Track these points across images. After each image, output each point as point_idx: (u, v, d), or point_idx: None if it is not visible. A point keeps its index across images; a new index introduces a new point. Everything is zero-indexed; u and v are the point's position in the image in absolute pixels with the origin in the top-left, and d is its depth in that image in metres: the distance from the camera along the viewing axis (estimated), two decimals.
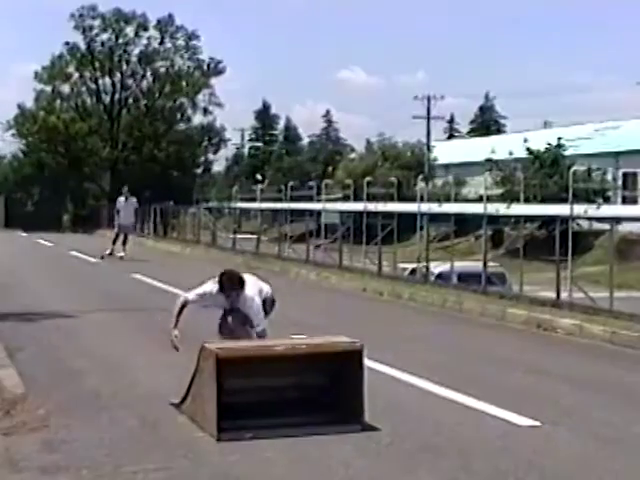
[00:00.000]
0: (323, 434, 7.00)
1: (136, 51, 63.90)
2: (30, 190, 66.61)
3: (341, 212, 29.32)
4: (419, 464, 6.43)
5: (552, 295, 16.40)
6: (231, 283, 8.83)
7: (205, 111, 65.13)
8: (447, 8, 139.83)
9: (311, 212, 31.04)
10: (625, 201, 40.62)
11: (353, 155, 67.00)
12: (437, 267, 23.39)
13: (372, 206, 25.98)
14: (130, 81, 64.61)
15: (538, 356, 11.74)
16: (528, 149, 42.96)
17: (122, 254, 27.03)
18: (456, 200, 39.27)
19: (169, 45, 64.02)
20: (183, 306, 9.12)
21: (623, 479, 6.17)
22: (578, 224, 30.39)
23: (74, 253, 30.89)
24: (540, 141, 43.17)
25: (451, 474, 6.20)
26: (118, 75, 63.93)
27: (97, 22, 62.36)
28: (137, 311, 15.55)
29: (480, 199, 37.12)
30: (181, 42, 64.04)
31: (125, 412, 7.78)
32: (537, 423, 7.47)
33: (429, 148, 56.67)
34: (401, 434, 7.16)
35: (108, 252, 27.55)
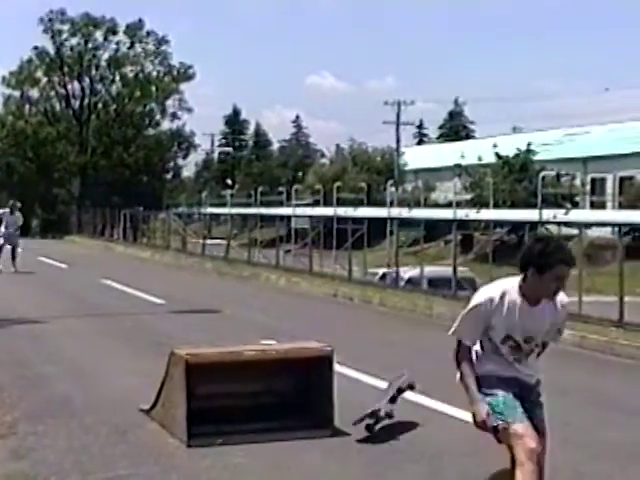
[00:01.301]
0: (293, 439, 6.99)
1: (105, 56, 63.76)
2: None
3: (311, 217, 29.38)
4: (388, 469, 6.44)
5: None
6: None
7: (174, 116, 65.07)
8: (416, 13, 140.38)
9: (281, 217, 31.09)
10: (593, 206, 40.96)
11: (323, 160, 67.03)
12: (407, 272, 23.44)
13: (342, 211, 26.08)
14: (99, 86, 64.41)
15: None
16: (497, 154, 43.16)
17: (13, 269, 25.34)
18: (426, 205, 39.47)
19: (139, 50, 63.89)
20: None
21: None
22: (547, 229, 30.56)
23: (43, 259, 30.69)
24: (509, 146, 43.41)
25: (420, 479, 6.21)
26: (87, 80, 63.70)
27: (66, 27, 62.14)
28: (107, 317, 15.47)
29: (450, 204, 37.34)
30: (151, 47, 63.93)
31: (94, 418, 7.73)
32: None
33: (399, 153, 56.79)
34: (371, 438, 7.16)
35: None
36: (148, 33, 63.46)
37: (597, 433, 7.60)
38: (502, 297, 5.05)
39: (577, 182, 42.59)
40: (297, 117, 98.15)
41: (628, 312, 13.83)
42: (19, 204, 27.51)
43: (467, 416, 7.84)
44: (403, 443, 7.08)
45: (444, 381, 8.05)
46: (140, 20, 63.22)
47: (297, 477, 6.16)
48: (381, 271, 25.31)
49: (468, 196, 41.79)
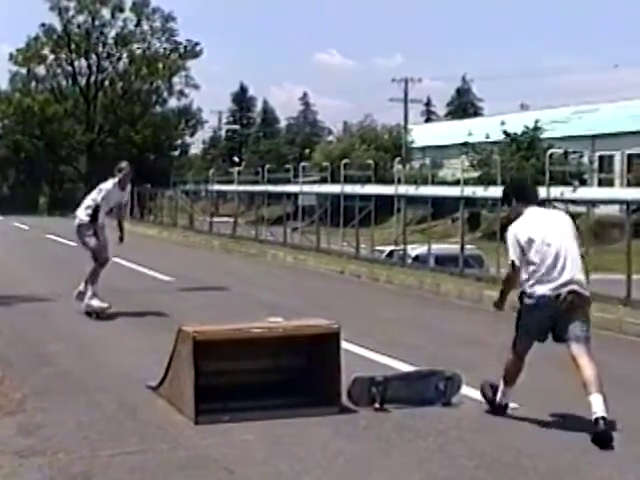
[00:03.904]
0: (301, 416, 7.01)
1: (112, 33, 63.67)
2: (5, 173, 66.24)
3: (318, 194, 29.34)
4: (395, 445, 6.46)
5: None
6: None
7: (181, 93, 65.01)
8: None
9: (288, 195, 31.05)
10: (601, 184, 40.86)
11: (330, 138, 66.93)
12: (414, 249, 23.46)
13: (349, 188, 26.02)
14: (106, 63, 64.35)
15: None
16: (505, 132, 43.06)
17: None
18: (433, 183, 39.41)
19: (146, 27, 63.75)
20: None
21: (599, 460, 6.21)
22: (555, 206, 30.48)
23: (50, 236, 30.74)
24: (517, 124, 43.29)
25: (427, 455, 6.23)
26: (94, 57, 63.63)
27: (73, 3, 61.98)
28: (114, 294, 15.49)
29: (457, 182, 37.26)
30: (157, 24, 63.78)
31: (102, 395, 7.76)
32: (514, 405, 7.50)
33: (406, 130, 56.66)
34: (378, 416, 7.18)
35: None
36: (154, 10, 63.34)
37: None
38: None
39: (585, 160, 42.50)
40: (305, 94, 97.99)
41: (635, 290, 13.82)
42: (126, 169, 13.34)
43: (474, 394, 7.87)
44: (410, 420, 7.10)
45: (451, 358, 8.08)
46: None
47: (304, 454, 6.18)
48: (388, 248, 25.32)
49: (476, 174, 41.74)
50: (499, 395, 7.30)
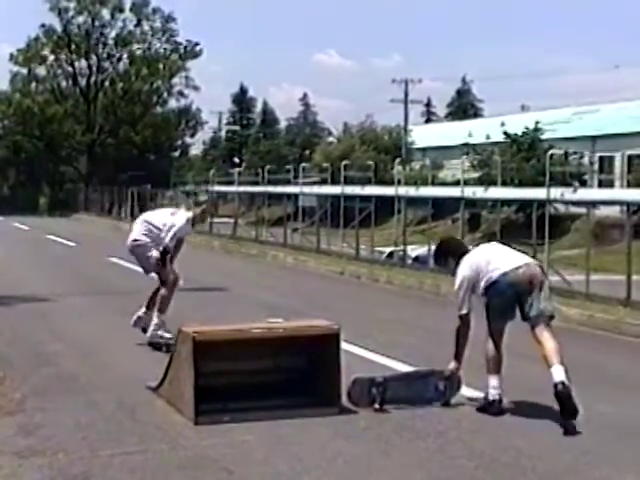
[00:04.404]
0: (301, 417, 7.01)
1: (112, 34, 63.61)
2: (6, 173, 66.24)
3: (319, 195, 29.32)
4: (395, 446, 6.46)
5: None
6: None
7: (181, 94, 65.01)
8: None
9: (288, 195, 31.03)
10: (601, 185, 40.81)
11: (331, 139, 66.92)
12: (414, 250, 23.47)
13: (349, 189, 25.99)
14: (106, 64, 64.31)
15: (514, 338, 11.77)
16: (505, 133, 43.02)
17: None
18: (433, 184, 39.40)
19: (146, 28, 63.73)
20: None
21: (598, 460, 6.21)
22: (555, 208, 30.49)
23: (51, 237, 30.75)
24: (517, 125, 43.25)
25: (426, 455, 6.24)
26: (94, 58, 63.59)
27: (73, 4, 61.94)
28: (114, 294, 15.51)
29: (457, 183, 37.17)
30: (157, 24, 63.76)
31: (102, 396, 7.77)
32: (512, 405, 7.51)
33: (406, 131, 56.64)
34: (378, 417, 7.18)
35: None
36: (154, 10, 63.32)
37: (601, 410, 7.61)
38: None
39: (585, 160, 42.44)
40: (304, 95, 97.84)
41: (635, 291, 13.83)
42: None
43: (473, 393, 7.87)
44: (409, 421, 7.10)
45: (451, 359, 8.08)
46: None
47: (304, 455, 6.18)
48: (388, 249, 25.33)
49: (476, 174, 41.68)
50: (489, 390, 7.33)
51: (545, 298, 7.49)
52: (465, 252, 7.80)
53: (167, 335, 9.89)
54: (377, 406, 7.34)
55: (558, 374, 6.98)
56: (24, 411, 7.22)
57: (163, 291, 10.36)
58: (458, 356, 7.64)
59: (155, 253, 10.34)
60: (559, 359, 7.10)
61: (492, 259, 7.53)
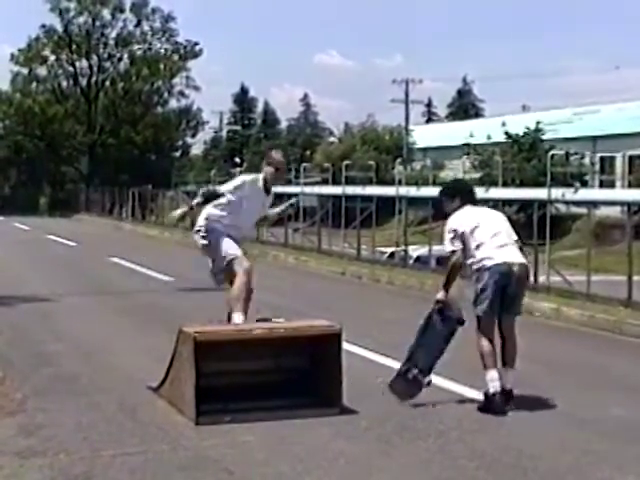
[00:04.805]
0: (302, 417, 7.01)
1: (113, 34, 63.53)
2: (7, 173, 66.21)
3: (320, 195, 29.33)
4: (396, 446, 6.45)
5: (530, 279, 16.45)
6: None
7: (182, 94, 64.97)
8: None
9: (289, 195, 31.00)
10: (602, 185, 40.80)
11: (332, 139, 66.91)
12: (415, 250, 23.45)
13: (351, 189, 26.01)
14: (107, 64, 64.22)
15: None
16: (506, 133, 43.02)
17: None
18: (434, 184, 39.37)
19: (146, 28, 63.66)
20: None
21: (600, 460, 6.21)
22: (556, 208, 30.47)
23: (51, 237, 30.75)
24: (518, 125, 43.25)
25: (427, 456, 6.23)
26: (95, 58, 63.50)
27: (73, 4, 61.88)
28: (115, 295, 15.51)
29: None
30: (157, 24, 63.68)
31: (103, 396, 7.76)
32: (513, 406, 7.50)
33: (407, 132, 56.63)
34: (379, 417, 7.17)
35: None
36: (154, 10, 63.26)
37: (603, 411, 7.60)
38: None
39: (586, 161, 42.44)
40: (305, 95, 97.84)
41: (636, 292, 13.82)
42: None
43: (474, 394, 7.87)
44: (410, 421, 7.09)
45: (451, 360, 8.07)
46: None
47: (305, 455, 6.18)
48: (389, 250, 25.31)
49: (477, 175, 41.69)
50: (489, 385, 7.42)
51: (522, 298, 7.86)
52: (472, 199, 8.09)
53: None
54: (427, 381, 7.62)
55: (508, 381, 7.47)
56: (25, 411, 7.22)
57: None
58: (446, 286, 7.76)
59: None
60: (514, 363, 7.58)
61: (486, 241, 7.60)
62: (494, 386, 7.37)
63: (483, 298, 7.53)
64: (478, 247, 7.58)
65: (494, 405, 7.32)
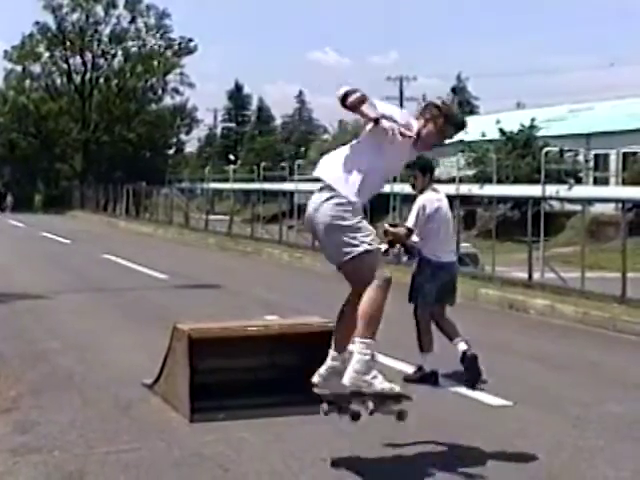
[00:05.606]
0: (296, 414, 7.00)
1: (107, 31, 63.51)
2: (1, 171, 66.17)
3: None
4: (392, 443, 6.44)
5: (524, 276, 16.48)
6: None
7: (176, 91, 64.95)
8: None
9: (284, 193, 31.05)
10: (596, 182, 40.88)
11: (326, 136, 66.91)
12: None
13: None
14: (101, 61, 64.25)
15: (510, 336, 11.81)
16: (501, 130, 43.04)
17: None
18: None
19: (140, 24, 63.64)
20: None
21: (594, 457, 6.21)
22: (550, 205, 30.51)
23: (46, 234, 30.71)
24: (513, 122, 43.28)
25: (423, 452, 6.23)
26: (89, 55, 63.50)
27: (66, 1, 61.84)
28: (109, 292, 15.49)
29: (453, 180, 37.25)
30: (152, 21, 63.67)
31: (97, 393, 7.75)
32: (508, 402, 7.51)
33: None
34: (375, 414, 7.15)
35: None
36: (148, 7, 63.24)
37: (597, 408, 7.61)
38: None
39: (580, 158, 42.50)
40: (300, 92, 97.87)
41: (631, 288, 13.83)
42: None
43: (469, 391, 7.87)
44: (407, 419, 7.08)
45: (445, 357, 8.08)
46: None
47: (300, 452, 6.17)
48: (383, 247, 25.28)
49: (471, 172, 41.73)
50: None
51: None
52: (432, 177, 8.71)
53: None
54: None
55: (462, 345, 8.23)
56: (19, 409, 7.21)
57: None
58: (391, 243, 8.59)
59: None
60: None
61: (446, 235, 8.50)
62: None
63: (430, 287, 8.77)
64: (432, 234, 8.37)
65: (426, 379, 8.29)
